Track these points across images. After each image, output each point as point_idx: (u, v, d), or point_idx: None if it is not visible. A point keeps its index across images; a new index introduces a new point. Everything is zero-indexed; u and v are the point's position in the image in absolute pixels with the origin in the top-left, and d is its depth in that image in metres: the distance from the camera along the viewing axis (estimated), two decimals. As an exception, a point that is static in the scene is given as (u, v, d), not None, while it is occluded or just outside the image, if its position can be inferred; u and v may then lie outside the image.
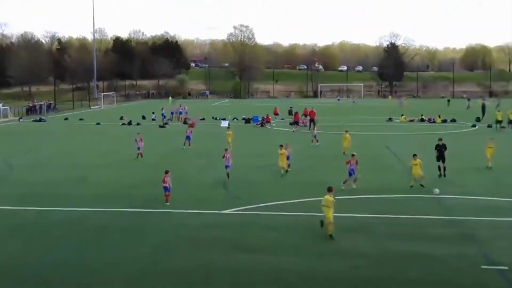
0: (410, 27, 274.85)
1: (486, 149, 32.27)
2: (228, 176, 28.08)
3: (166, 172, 23.29)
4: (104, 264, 16.29)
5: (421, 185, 26.21)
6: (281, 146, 30.15)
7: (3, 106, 77.45)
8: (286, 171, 29.91)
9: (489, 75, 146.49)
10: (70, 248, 17.77)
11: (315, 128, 49.25)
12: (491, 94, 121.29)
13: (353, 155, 27.33)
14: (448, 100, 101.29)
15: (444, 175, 29.35)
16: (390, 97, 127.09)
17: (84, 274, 15.34)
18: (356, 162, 26.58)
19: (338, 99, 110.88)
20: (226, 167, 28.38)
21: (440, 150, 30.24)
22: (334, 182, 27.19)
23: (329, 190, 18.47)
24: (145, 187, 27.13)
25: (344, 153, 35.59)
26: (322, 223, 18.40)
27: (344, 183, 26.19)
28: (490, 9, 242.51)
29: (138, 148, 36.44)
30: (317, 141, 43.81)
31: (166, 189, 23.12)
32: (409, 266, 15.60)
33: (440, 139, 31.88)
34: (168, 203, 22.87)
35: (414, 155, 26.75)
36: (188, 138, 42.23)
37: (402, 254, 16.51)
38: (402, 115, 68.61)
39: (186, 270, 15.67)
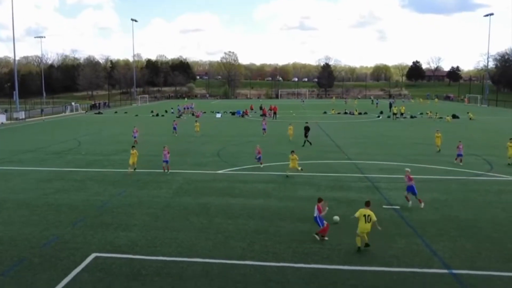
0: (338, 52, 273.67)
1: (435, 138, 28.45)
2: (166, 169, 21.72)
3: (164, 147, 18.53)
4: (139, 201, 16.74)
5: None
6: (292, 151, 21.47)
7: (75, 104, 79.62)
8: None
9: (389, 84, 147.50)
10: (119, 191, 18.00)
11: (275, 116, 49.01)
12: (390, 96, 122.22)
13: (460, 141, 23.67)
14: (372, 101, 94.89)
15: (304, 145, 30.06)
16: (334, 97, 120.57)
17: (126, 205, 16.08)
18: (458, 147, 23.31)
19: (302, 101, 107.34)
20: (166, 161, 21.65)
21: (306, 130, 31.55)
22: (287, 153, 27.18)
23: (367, 204, 11.92)
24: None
25: (290, 140, 32.96)
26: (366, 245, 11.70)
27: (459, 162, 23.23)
28: (391, 42, 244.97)
29: (134, 137, 32.24)
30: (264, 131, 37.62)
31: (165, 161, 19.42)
32: (338, 206, 15.56)
33: (306, 123, 33.19)
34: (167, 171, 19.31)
35: (511, 138, 23.35)
36: (174, 128, 38.22)
37: (334, 198, 16.52)
38: (333, 109, 68.57)
39: (192, 206, 15.80)
